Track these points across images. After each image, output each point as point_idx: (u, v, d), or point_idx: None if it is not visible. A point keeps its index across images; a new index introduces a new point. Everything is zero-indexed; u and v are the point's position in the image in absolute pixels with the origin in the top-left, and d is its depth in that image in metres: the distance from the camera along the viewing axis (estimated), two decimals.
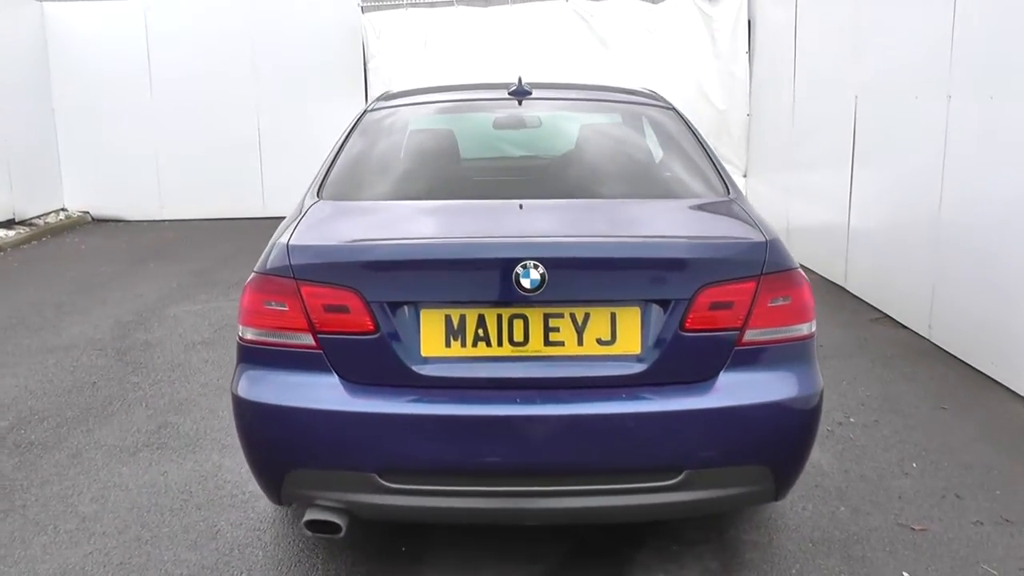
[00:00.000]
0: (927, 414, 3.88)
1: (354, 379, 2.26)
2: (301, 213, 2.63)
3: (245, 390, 2.33)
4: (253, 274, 2.37)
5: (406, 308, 2.25)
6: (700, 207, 2.71)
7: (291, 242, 2.33)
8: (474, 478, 2.25)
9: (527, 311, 2.25)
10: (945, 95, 4.64)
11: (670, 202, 2.76)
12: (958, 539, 2.86)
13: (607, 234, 2.40)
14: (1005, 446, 3.55)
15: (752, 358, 2.31)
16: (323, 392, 2.25)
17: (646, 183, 2.92)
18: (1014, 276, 4.05)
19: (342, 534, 2.35)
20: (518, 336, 2.25)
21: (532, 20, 8.95)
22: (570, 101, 3.52)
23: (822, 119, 6.50)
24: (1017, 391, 4.02)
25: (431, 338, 2.25)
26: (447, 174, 3.06)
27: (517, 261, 2.19)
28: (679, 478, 2.27)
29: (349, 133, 3.15)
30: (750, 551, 2.78)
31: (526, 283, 2.19)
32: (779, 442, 2.34)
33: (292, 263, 2.27)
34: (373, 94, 9.24)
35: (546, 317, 2.25)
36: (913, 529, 2.91)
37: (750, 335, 2.30)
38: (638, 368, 2.26)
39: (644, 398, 2.26)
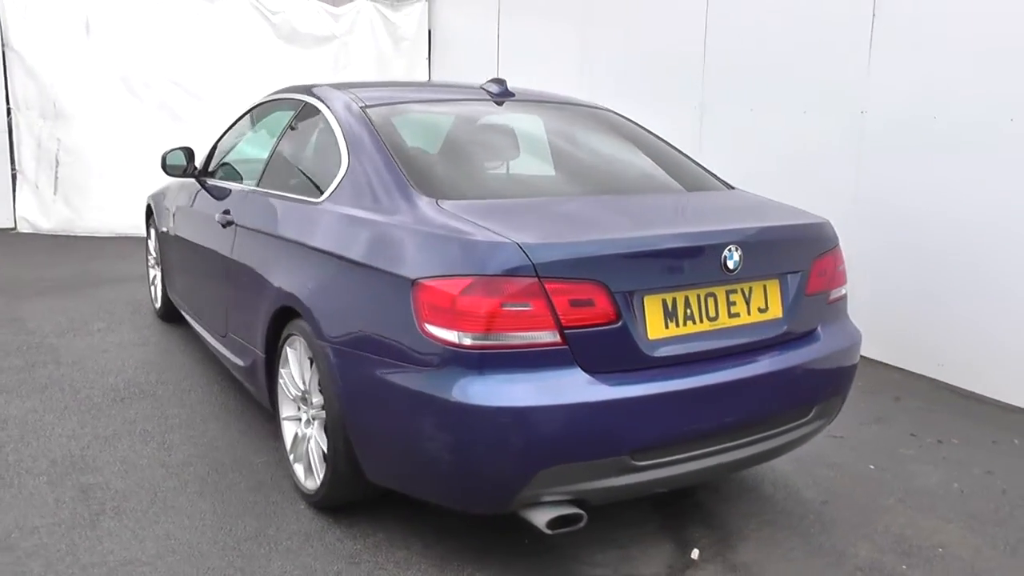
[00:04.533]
0: None
1: (594, 369, 2.34)
2: (431, 213, 2.52)
3: (483, 397, 2.23)
4: (472, 277, 2.26)
5: (635, 296, 2.40)
6: (752, 197, 3.22)
7: (525, 241, 2.29)
8: (699, 441, 2.50)
9: (715, 289, 2.57)
10: (698, 104, 5.80)
11: (727, 192, 3.24)
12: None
13: (754, 221, 2.79)
14: None
15: (832, 313, 2.94)
16: (574, 385, 2.29)
17: (692, 177, 3.32)
18: None
19: (584, 522, 2.40)
20: (711, 312, 2.56)
21: (210, 12, 8.34)
22: (558, 105, 3.70)
23: None
24: None
25: (654, 321, 2.44)
26: (555, 170, 3.14)
27: (724, 246, 2.51)
28: (811, 414, 2.81)
29: (373, 131, 2.98)
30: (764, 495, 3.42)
31: (730, 264, 2.52)
32: (848, 377, 3.00)
33: (535, 262, 2.25)
34: (17, 88, 7.66)
35: (727, 293, 2.60)
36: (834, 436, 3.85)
37: (832, 294, 2.93)
38: (782, 329, 2.73)
39: (792, 352, 2.73)
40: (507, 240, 2.30)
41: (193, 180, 4.44)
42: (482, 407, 2.23)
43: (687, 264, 2.51)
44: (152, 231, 5.39)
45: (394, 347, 2.44)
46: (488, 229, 2.37)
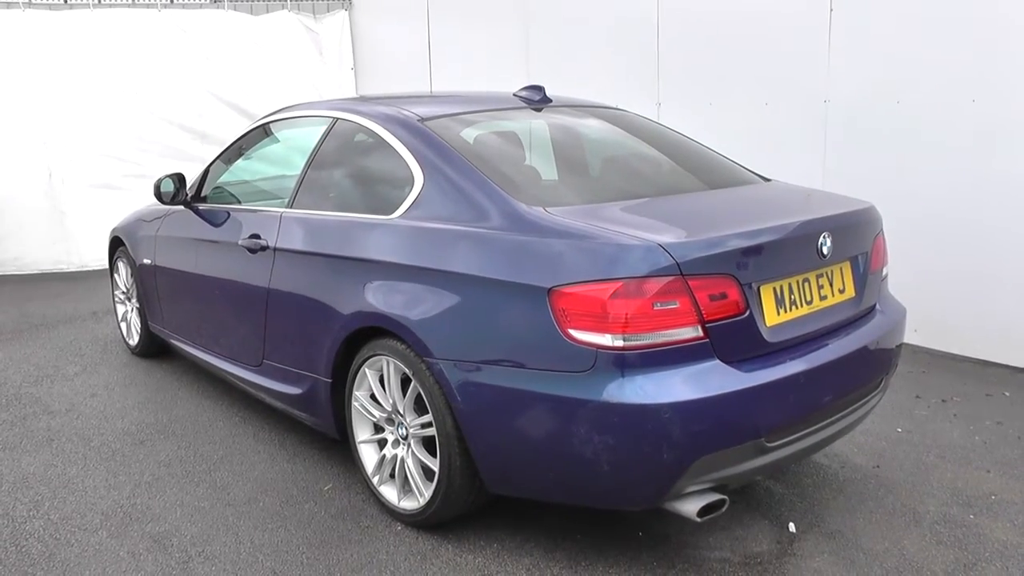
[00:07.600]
0: None
1: (729, 359, 2.43)
2: (547, 220, 2.54)
3: (642, 395, 2.28)
4: (620, 281, 2.30)
5: (754, 286, 2.51)
6: (799, 187, 3.38)
7: (666, 240, 2.35)
8: (813, 417, 2.64)
9: (808, 275, 2.72)
10: (656, 102, 6.02)
11: (777, 184, 3.39)
12: None
13: (835, 208, 2.92)
14: None
15: (884, 289, 3.16)
16: (719, 376, 2.38)
17: (743, 173, 3.44)
18: None
19: (727, 506, 2.50)
20: (808, 296, 2.71)
21: (121, 27, 7.91)
22: (598, 109, 3.76)
23: None
24: None
25: (769, 309, 2.56)
26: (630, 172, 3.20)
27: (820, 233, 2.66)
28: (881, 385, 3.02)
29: (443, 143, 2.98)
30: None
31: (824, 250, 2.68)
32: (901, 349, 3.23)
33: (678, 260, 2.33)
34: None
35: (817, 277, 2.76)
36: None
37: (883, 272, 3.15)
38: (857, 307, 2.92)
39: (868, 326, 2.92)
40: (648, 241, 2.36)
41: (183, 207, 4.24)
42: (642, 405, 2.29)
43: (794, 253, 2.65)
44: (121, 265, 5.08)
45: (529, 356, 2.45)
46: (622, 232, 2.42)
